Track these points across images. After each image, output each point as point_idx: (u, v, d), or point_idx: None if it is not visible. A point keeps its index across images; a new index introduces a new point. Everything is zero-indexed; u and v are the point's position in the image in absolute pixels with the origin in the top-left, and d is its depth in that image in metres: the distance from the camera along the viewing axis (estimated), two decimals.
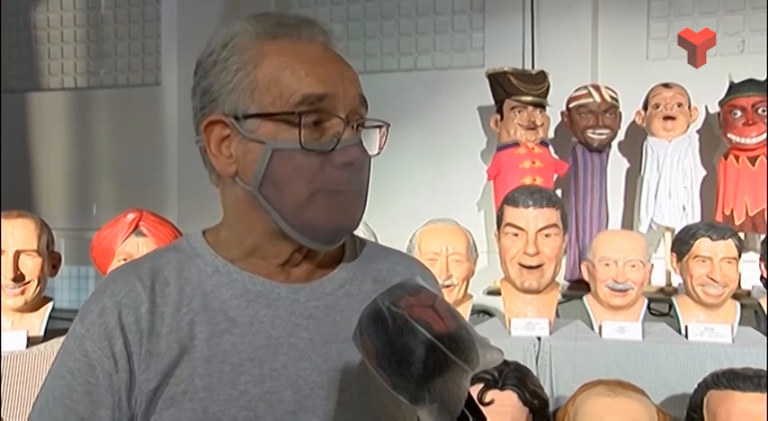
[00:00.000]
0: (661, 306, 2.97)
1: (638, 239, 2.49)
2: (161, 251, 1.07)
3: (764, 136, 2.97)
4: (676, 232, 2.63)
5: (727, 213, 3.01)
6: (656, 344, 2.32)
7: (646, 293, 2.56)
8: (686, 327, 2.35)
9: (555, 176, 3.26)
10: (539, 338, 2.35)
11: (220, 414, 0.95)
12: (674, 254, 2.47)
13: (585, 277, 2.50)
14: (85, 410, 0.96)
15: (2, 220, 2.16)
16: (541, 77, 3.21)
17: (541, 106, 3.19)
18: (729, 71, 3.08)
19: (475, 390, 1.85)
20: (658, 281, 3.05)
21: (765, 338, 2.32)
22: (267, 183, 0.97)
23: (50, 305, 2.30)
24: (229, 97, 0.97)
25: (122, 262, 2.03)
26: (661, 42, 3.52)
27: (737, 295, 2.51)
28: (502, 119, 3.23)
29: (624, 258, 2.36)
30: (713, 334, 2.30)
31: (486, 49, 3.72)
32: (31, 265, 2.18)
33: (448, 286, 2.36)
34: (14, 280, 2.15)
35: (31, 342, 2.19)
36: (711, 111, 3.25)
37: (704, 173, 3.33)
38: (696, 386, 1.98)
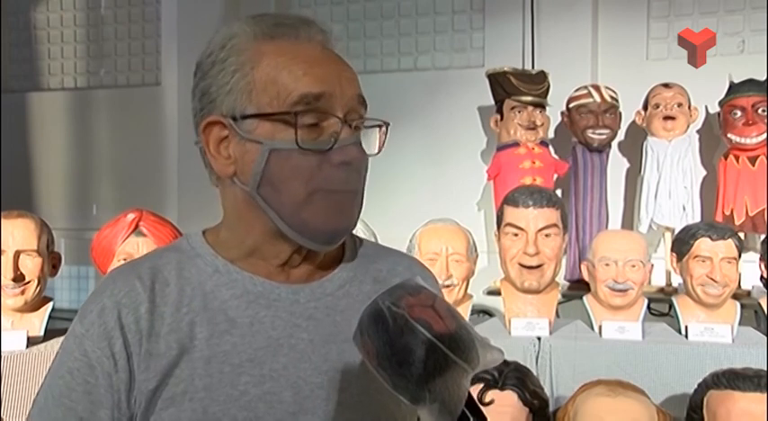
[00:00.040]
0: (661, 306, 2.97)
1: (638, 239, 2.49)
2: (161, 251, 1.07)
3: (764, 136, 2.97)
4: (676, 232, 2.63)
5: (727, 213, 3.01)
6: (656, 344, 2.32)
7: (646, 293, 2.56)
8: (686, 327, 2.35)
9: (555, 176, 3.26)
10: (539, 338, 2.35)
11: (220, 414, 0.95)
12: (674, 254, 2.47)
13: (585, 277, 2.50)
14: (85, 410, 0.96)
15: (2, 220, 2.16)
16: (541, 77, 3.21)
17: (541, 106, 3.19)
18: (729, 71, 3.08)
19: (475, 390, 1.85)
20: (658, 281, 3.05)
21: (765, 338, 2.32)
22: (265, 183, 0.97)
23: (50, 305, 2.30)
24: (227, 98, 0.98)
25: (122, 262, 2.03)
26: (661, 42, 3.52)
27: (737, 295, 2.51)
28: (502, 119, 3.23)
29: (624, 258, 2.36)
30: (713, 334, 2.30)
31: (486, 49, 3.72)
32: (31, 265, 2.18)
33: (448, 286, 2.36)
34: (14, 280, 2.15)
35: (31, 342, 2.19)
36: (711, 111, 3.25)
37: (704, 173, 3.33)
38: (696, 386, 1.98)
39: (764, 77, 3.00)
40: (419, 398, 0.81)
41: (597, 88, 3.16)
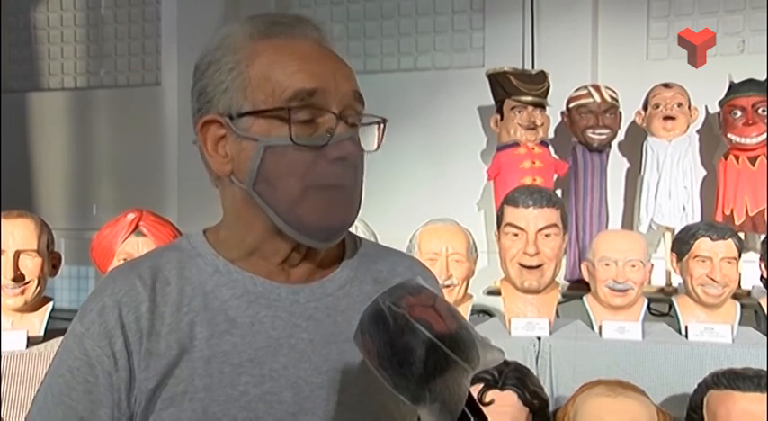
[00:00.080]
0: (661, 306, 2.97)
1: (638, 239, 2.49)
2: (161, 250, 1.07)
3: (764, 136, 2.97)
4: (676, 232, 2.63)
5: (727, 213, 3.01)
6: (656, 344, 2.32)
7: (646, 293, 2.56)
8: (686, 327, 2.35)
9: (555, 176, 3.26)
10: (539, 338, 2.35)
11: (220, 414, 0.95)
12: (674, 254, 2.47)
13: (585, 277, 2.50)
14: (85, 409, 0.96)
15: (2, 220, 2.16)
16: (541, 77, 3.21)
17: (541, 106, 3.19)
18: (729, 71, 3.08)
19: (475, 390, 1.85)
20: (658, 281, 3.05)
21: (765, 338, 2.32)
22: (261, 180, 0.97)
23: (50, 305, 2.30)
24: (223, 97, 0.98)
25: (122, 262, 2.02)
26: (661, 42, 3.52)
27: (737, 295, 2.51)
28: (502, 119, 3.23)
29: (624, 258, 2.36)
30: (713, 334, 2.30)
31: (486, 49, 3.72)
32: (31, 265, 2.18)
33: (448, 286, 2.36)
34: (14, 280, 2.15)
35: (31, 342, 2.19)
36: (711, 111, 3.25)
37: (704, 173, 3.33)
38: (696, 386, 1.98)
39: (764, 77, 3.00)
40: (420, 398, 0.81)
41: (597, 88, 3.16)
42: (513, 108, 3.18)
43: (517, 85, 3.15)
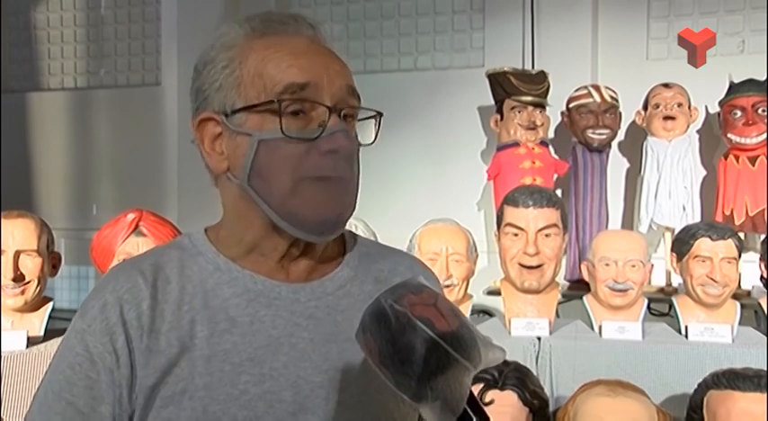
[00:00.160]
0: (661, 306, 2.97)
1: (638, 239, 2.49)
2: (163, 248, 1.07)
3: (764, 136, 2.97)
4: (676, 232, 2.63)
5: (727, 213, 3.01)
6: (656, 344, 2.32)
7: (646, 293, 2.56)
8: (686, 327, 2.35)
9: (555, 176, 3.26)
10: (539, 338, 2.35)
11: (220, 413, 0.95)
12: (674, 254, 2.47)
13: (585, 277, 2.50)
14: (86, 405, 0.96)
15: (2, 220, 2.16)
16: (541, 77, 3.21)
17: (541, 106, 3.19)
18: (729, 71, 3.08)
19: (475, 390, 1.85)
20: (658, 281, 3.05)
21: (765, 338, 2.32)
22: (255, 175, 0.97)
23: (50, 305, 2.30)
24: (218, 94, 0.99)
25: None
26: (661, 42, 3.52)
27: (737, 295, 2.51)
28: (502, 119, 3.23)
29: (624, 258, 2.36)
30: (713, 334, 2.30)
31: (486, 49, 3.71)
32: (31, 265, 2.18)
33: (448, 286, 2.36)
34: (14, 280, 2.15)
35: (31, 342, 2.19)
36: (711, 111, 3.25)
37: (704, 173, 3.33)
38: (696, 386, 1.98)
39: (764, 77, 3.00)
40: (421, 396, 0.81)
41: (597, 88, 3.16)
42: (513, 108, 3.18)
43: (517, 85, 3.15)
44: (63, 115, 4.28)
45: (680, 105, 3.05)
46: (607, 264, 2.37)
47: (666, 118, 3.04)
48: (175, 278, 1.00)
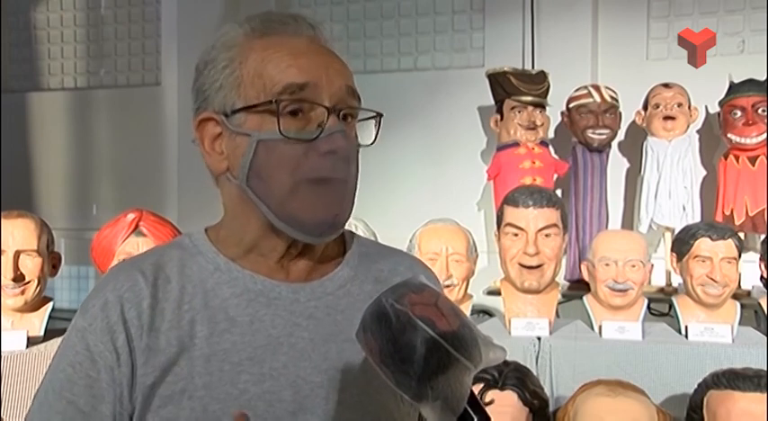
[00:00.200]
0: (661, 306, 2.97)
1: (638, 239, 2.49)
2: (164, 248, 1.07)
3: (764, 136, 2.97)
4: (676, 232, 2.63)
5: (727, 213, 3.01)
6: (656, 344, 2.32)
7: (646, 293, 2.56)
8: (686, 327, 2.35)
9: (555, 176, 3.26)
10: (539, 338, 2.35)
11: (220, 412, 0.95)
12: (674, 254, 2.47)
13: (585, 277, 2.50)
14: (86, 404, 0.96)
15: (2, 220, 2.16)
16: (541, 77, 3.21)
17: (541, 106, 3.19)
18: (729, 71, 3.08)
19: (475, 390, 1.85)
20: (658, 281, 3.05)
21: (765, 338, 2.32)
22: (253, 175, 0.97)
23: (50, 305, 2.30)
24: (218, 94, 0.99)
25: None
26: (661, 42, 3.52)
27: (737, 295, 2.51)
28: (502, 119, 3.23)
29: (624, 258, 2.36)
30: (713, 334, 2.30)
31: (486, 49, 3.71)
32: (31, 265, 2.18)
33: (448, 286, 2.36)
34: (14, 280, 2.15)
35: (31, 342, 2.19)
36: (711, 111, 3.25)
37: (704, 173, 3.33)
38: (696, 386, 1.98)
39: (764, 77, 3.00)
40: (422, 396, 0.81)
41: (597, 88, 3.16)
42: (513, 108, 3.18)
43: (517, 85, 3.15)
44: (63, 115, 4.28)
45: (680, 105, 3.05)
46: (607, 264, 2.37)
47: (666, 118, 3.04)
48: (176, 277, 1.01)
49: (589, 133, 3.13)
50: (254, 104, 0.97)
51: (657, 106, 3.06)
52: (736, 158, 3.02)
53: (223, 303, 1.00)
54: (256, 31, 1.00)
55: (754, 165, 2.99)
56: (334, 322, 1.02)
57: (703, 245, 2.35)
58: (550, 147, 3.29)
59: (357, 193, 1.02)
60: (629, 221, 3.42)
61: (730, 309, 2.41)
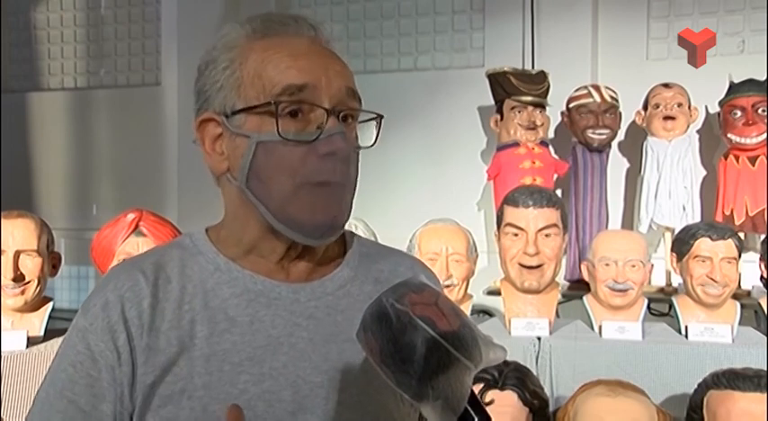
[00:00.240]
0: (661, 306, 2.97)
1: (638, 239, 2.49)
2: (164, 248, 1.07)
3: (764, 136, 2.97)
4: (676, 232, 2.63)
5: (727, 213, 3.01)
6: (656, 344, 2.32)
7: (646, 293, 2.56)
8: (686, 327, 2.35)
9: (555, 176, 3.26)
10: (539, 338, 2.35)
11: (219, 412, 0.95)
12: (674, 254, 2.47)
13: (585, 277, 2.50)
14: (87, 403, 0.97)
15: (2, 220, 2.16)
16: (541, 77, 3.21)
17: (541, 106, 3.19)
18: (729, 71, 3.08)
19: (475, 390, 1.85)
20: (658, 281, 3.05)
21: (765, 338, 2.32)
22: (252, 176, 0.97)
23: (50, 305, 2.30)
24: (218, 95, 0.99)
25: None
26: (661, 42, 3.52)
27: (737, 295, 2.51)
28: (502, 119, 3.23)
29: (624, 258, 2.36)
30: (713, 334, 2.30)
31: (486, 49, 3.72)
32: (31, 265, 2.18)
33: (448, 286, 2.36)
34: (14, 280, 2.15)
35: (31, 342, 2.19)
36: (711, 111, 3.25)
37: (704, 173, 3.33)
38: (696, 386, 1.98)
39: (764, 77, 3.00)
40: (422, 396, 0.81)
41: (597, 88, 3.16)
42: (513, 108, 3.18)
43: (517, 85, 3.15)
44: (63, 115, 4.28)
45: (680, 105, 3.05)
46: (607, 264, 2.37)
47: (666, 118, 3.04)
48: (176, 277, 1.01)
49: (589, 133, 3.13)
50: (254, 105, 0.97)
51: (657, 106, 3.06)
52: (736, 158, 3.02)
53: (223, 303, 1.00)
54: (257, 32, 1.00)
55: (754, 165, 2.99)
56: (334, 322, 1.02)
57: (703, 245, 2.35)
58: (550, 147, 3.29)
59: (357, 194, 1.02)
60: (629, 221, 3.42)
61: (730, 309, 2.41)
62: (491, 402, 1.86)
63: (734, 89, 3.03)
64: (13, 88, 4.37)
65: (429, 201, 3.49)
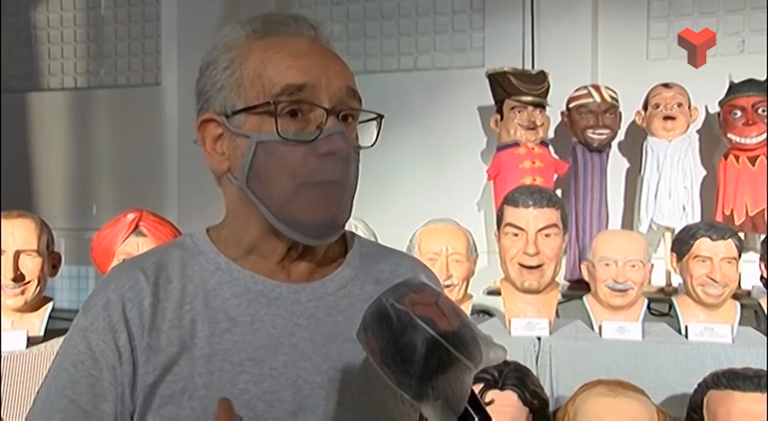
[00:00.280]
0: (661, 306, 2.97)
1: (638, 239, 2.49)
2: (165, 248, 1.07)
3: (764, 136, 2.97)
4: (676, 232, 2.63)
5: (727, 213, 3.01)
6: (656, 344, 2.32)
7: (646, 293, 2.56)
8: (686, 327, 2.35)
9: (555, 176, 3.26)
10: (539, 338, 2.35)
11: None
12: (674, 254, 2.47)
13: (585, 277, 2.50)
14: (88, 403, 0.97)
15: (2, 220, 2.16)
16: (541, 77, 3.21)
17: (541, 106, 3.19)
18: (729, 71, 3.08)
19: (475, 390, 1.85)
20: (658, 281, 3.05)
21: (765, 338, 2.32)
22: (252, 176, 0.98)
23: (50, 305, 2.30)
24: (219, 95, 0.99)
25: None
26: (661, 42, 3.52)
27: (737, 295, 2.51)
28: (502, 119, 3.23)
29: (624, 258, 2.36)
30: (713, 334, 2.30)
31: (486, 49, 3.72)
32: (31, 265, 2.18)
33: (448, 286, 2.36)
34: (14, 280, 2.15)
35: (31, 342, 2.19)
36: (711, 111, 3.25)
37: (704, 173, 3.33)
38: (696, 386, 1.98)
39: (764, 77, 3.00)
40: (422, 395, 0.81)
41: (597, 88, 3.16)
42: (513, 108, 3.18)
43: (517, 85, 3.15)
44: (63, 115, 4.28)
45: (680, 105, 3.05)
46: (607, 264, 2.37)
47: (666, 118, 3.04)
48: (177, 277, 1.01)
49: (589, 133, 3.13)
50: (254, 105, 0.97)
51: (657, 106, 3.06)
52: (736, 158, 3.02)
53: (224, 303, 1.00)
54: (257, 32, 1.00)
55: (754, 165, 2.99)
56: (334, 322, 1.02)
57: (703, 245, 2.35)
58: (550, 147, 3.30)
59: (357, 193, 1.02)
60: (629, 221, 3.42)
61: (730, 309, 2.41)
62: (491, 402, 1.86)
63: (734, 89, 3.03)
64: (13, 88, 4.37)
65: (429, 201, 3.49)
